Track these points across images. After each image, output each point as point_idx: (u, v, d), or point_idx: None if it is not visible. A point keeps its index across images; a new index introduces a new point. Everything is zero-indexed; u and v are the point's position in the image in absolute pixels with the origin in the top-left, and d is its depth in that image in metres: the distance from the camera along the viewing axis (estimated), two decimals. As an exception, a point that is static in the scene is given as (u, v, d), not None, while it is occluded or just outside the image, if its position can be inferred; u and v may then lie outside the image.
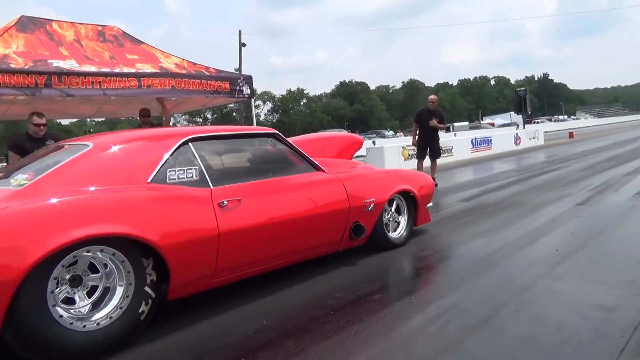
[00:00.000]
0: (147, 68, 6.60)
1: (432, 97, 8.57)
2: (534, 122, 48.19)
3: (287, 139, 3.71)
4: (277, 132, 3.67)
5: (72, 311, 2.36)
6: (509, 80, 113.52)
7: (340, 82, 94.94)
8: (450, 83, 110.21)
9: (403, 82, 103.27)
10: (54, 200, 2.36)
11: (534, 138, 18.32)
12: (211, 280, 2.91)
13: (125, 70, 6.31)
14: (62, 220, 2.31)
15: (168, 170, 2.86)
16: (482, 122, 62.01)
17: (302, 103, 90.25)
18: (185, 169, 2.93)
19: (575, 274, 3.14)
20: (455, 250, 4.05)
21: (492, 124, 54.47)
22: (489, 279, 3.16)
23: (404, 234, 4.20)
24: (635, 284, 2.84)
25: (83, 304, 2.42)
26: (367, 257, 3.86)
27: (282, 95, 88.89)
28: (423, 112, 8.37)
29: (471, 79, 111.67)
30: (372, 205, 3.77)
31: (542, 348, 2.16)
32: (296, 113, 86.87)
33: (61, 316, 2.28)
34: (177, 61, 7.24)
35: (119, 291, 2.49)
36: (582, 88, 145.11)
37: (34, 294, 2.20)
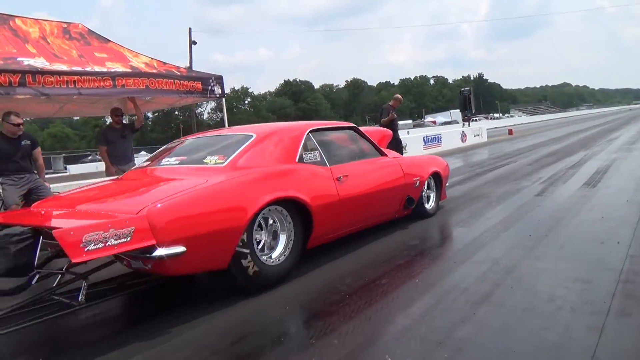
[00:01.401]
0: (118, 67, 6.55)
1: (399, 95, 9.66)
2: (473, 120, 50.59)
3: (362, 131, 4.83)
4: (356, 125, 4.88)
5: (263, 251, 3.30)
6: (447, 79, 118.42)
7: (285, 80, 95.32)
8: (392, 82, 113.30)
9: (347, 80, 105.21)
10: (254, 174, 3.39)
11: (478, 135, 19.40)
12: (329, 235, 3.88)
13: (97, 69, 6.25)
14: (263, 187, 3.30)
15: (303, 153, 3.88)
16: (424, 120, 64.18)
17: (246, 102, 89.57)
18: (311, 152, 3.96)
19: (550, 254, 3.57)
20: (442, 238, 4.41)
21: (434, 122, 56.60)
22: (478, 262, 3.52)
23: (435, 206, 5.32)
24: (602, 261, 3.29)
25: (266, 246, 3.36)
26: (367, 246, 4.16)
27: (225, 93, 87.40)
28: (387, 109, 9.20)
29: (412, 79, 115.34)
30: (418, 182, 4.90)
31: (542, 314, 2.52)
32: (240, 112, 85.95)
33: (259, 254, 3.21)
34: (147, 60, 7.22)
35: (282, 238, 3.44)
36: (514, 87, 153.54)
37: (247, 238, 3.10)
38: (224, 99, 7.82)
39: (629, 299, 2.64)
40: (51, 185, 4.88)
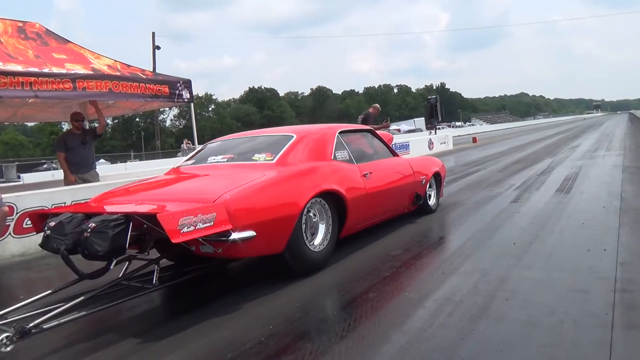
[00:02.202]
0: (79, 69, 6.16)
1: (377, 105, 9.98)
2: (437, 128, 51.46)
3: (377, 134, 5.31)
4: (372, 129, 5.41)
5: (307, 239, 3.58)
6: (410, 88, 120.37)
7: (250, 88, 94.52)
8: (356, 90, 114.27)
9: (312, 88, 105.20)
10: (302, 169, 3.81)
11: (444, 143, 19.63)
12: (357, 226, 4.26)
13: (56, 70, 5.84)
14: (310, 181, 3.72)
15: (336, 152, 4.28)
16: (390, 128, 64.79)
17: (210, 109, 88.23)
18: (341, 151, 4.36)
19: (539, 263, 3.46)
20: (425, 248, 4.26)
21: (399, 130, 57.22)
22: (468, 272, 3.38)
23: (436, 202, 5.80)
24: (594, 269, 3.21)
25: (309, 234, 3.65)
26: (348, 257, 3.96)
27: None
28: (367, 115, 9.25)
29: (376, 87, 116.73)
30: (424, 180, 5.39)
31: (546, 328, 2.38)
32: (204, 119, 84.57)
33: (307, 241, 3.57)
34: (109, 62, 6.84)
35: (322, 228, 3.80)
36: (474, 97, 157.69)
37: (298, 227, 3.43)
38: (192, 104, 7.49)
39: (631, 311, 2.54)
40: (3, 196, 4.45)
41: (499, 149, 17.40)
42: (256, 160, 3.92)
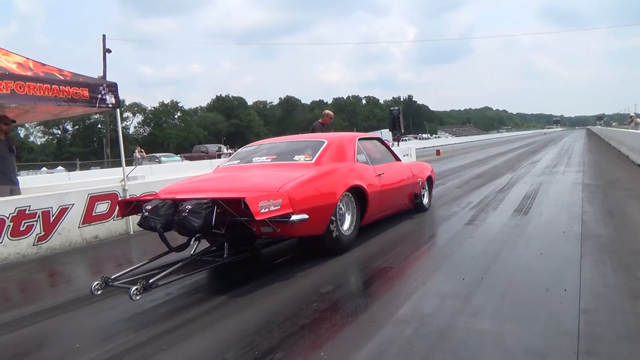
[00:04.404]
0: (-22, 67, 5.30)
1: (329, 112, 9.01)
2: (402, 140, 51.57)
3: (384, 141, 6.24)
4: (380, 137, 6.46)
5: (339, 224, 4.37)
6: (378, 100, 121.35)
7: (217, 96, 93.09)
8: (325, 101, 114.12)
9: (280, 98, 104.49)
10: (335, 168, 4.62)
11: (407, 155, 19.21)
12: (373, 217, 4.99)
13: (-55, 67, 4.97)
14: (343, 177, 4.51)
15: (357, 155, 5.04)
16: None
17: (176, 116, 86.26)
18: (360, 155, 5.12)
19: (490, 308, 2.88)
20: (361, 284, 3.63)
21: (365, 141, 57.05)
22: (403, 321, 2.75)
23: (428, 202, 6.65)
24: (553, 320, 2.64)
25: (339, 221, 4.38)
26: (274, 293, 3.28)
27: (154, 107, 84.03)
28: (317, 127, 8.52)
29: (344, 98, 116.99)
30: (420, 182, 6.32)
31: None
32: (170, 127, 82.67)
33: (339, 226, 4.33)
34: (20, 60, 5.98)
35: (348, 217, 4.55)
36: (440, 109, 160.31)
37: (334, 214, 4.20)
38: (118, 111, 6.67)
39: (598, 387, 1.95)
40: None
41: (461, 162, 17.12)
42: (297, 161, 4.71)
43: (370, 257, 4.28)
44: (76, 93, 5.92)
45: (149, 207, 3.63)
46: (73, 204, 5.86)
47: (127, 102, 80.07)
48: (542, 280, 3.32)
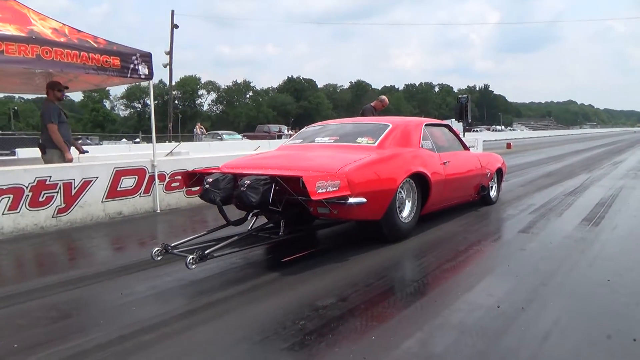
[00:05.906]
0: (10, 30, 5.14)
1: (384, 98, 8.49)
2: (473, 131, 49.08)
3: (454, 129, 5.93)
4: (449, 124, 6.04)
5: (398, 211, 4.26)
6: (452, 88, 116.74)
7: (288, 77, 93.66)
8: (396, 87, 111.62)
9: (351, 82, 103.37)
10: (398, 153, 4.48)
11: (473, 147, 17.96)
12: (434, 206, 4.82)
13: (-26, 29, 4.83)
14: (405, 163, 4.38)
15: (422, 141, 4.86)
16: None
17: (247, 96, 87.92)
18: (426, 141, 4.93)
19: (528, 352, 2.17)
20: (386, 306, 3.01)
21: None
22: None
23: (496, 195, 6.41)
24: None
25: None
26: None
27: (227, 86, 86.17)
28: (368, 110, 8.04)
29: (416, 85, 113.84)
30: (489, 174, 6.00)
31: None
32: (241, 105, 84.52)
33: (398, 213, 4.23)
34: (57, 26, 5.79)
35: (408, 205, 4.43)
36: (519, 101, 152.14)
37: (393, 200, 4.10)
38: (151, 82, 6.37)
39: None
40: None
41: (532, 158, 15.68)
42: (359, 143, 4.56)
43: (385, 266, 3.64)
44: (106, 62, 5.66)
45: (210, 180, 3.71)
46: (97, 177, 5.64)
47: (202, 80, 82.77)
48: (604, 320, 2.54)
